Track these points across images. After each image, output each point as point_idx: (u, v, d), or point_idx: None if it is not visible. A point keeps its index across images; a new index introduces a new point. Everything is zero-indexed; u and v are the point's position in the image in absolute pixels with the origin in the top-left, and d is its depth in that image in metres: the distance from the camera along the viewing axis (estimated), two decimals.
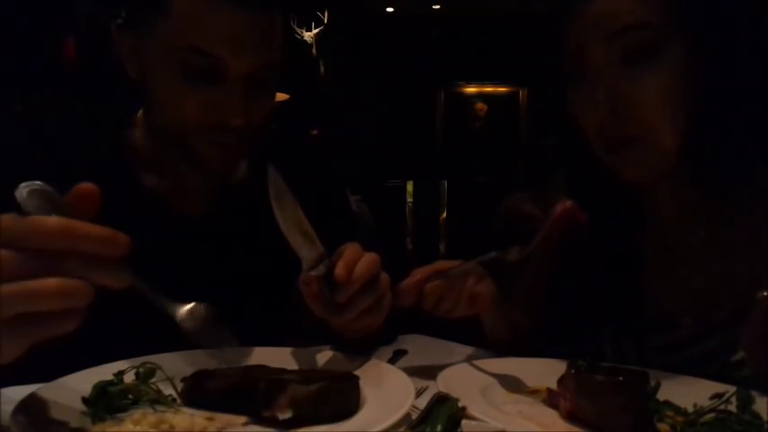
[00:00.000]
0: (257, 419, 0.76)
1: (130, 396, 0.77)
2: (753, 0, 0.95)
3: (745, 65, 0.92)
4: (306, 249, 0.88)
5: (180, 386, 0.82)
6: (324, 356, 0.97)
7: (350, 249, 0.90)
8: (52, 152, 1.02)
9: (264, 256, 1.06)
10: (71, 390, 0.76)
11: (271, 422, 0.74)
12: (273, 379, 0.77)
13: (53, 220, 0.60)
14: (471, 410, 0.69)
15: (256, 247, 1.11)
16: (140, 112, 1.11)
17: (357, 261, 0.88)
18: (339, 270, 0.85)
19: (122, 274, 0.64)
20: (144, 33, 0.98)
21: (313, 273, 0.87)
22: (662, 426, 0.74)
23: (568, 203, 0.92)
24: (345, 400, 0.78)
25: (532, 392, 0.88)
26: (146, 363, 0.81)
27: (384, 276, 0.93)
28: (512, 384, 0.90)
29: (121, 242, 0.63)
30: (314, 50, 6.98)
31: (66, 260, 0.60)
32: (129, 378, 0.79)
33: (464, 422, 0.64)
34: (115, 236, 0.63)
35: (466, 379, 0.87)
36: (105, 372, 0.80)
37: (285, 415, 0.72)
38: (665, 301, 1.02)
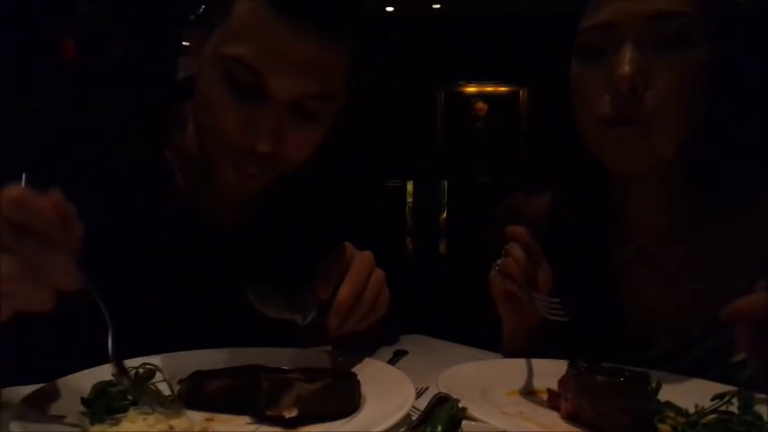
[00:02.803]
0: (259, 419, 0.76)
1: (129, 397, 0.77)
2: None
3: (763, 75, 0.92)
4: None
5: (178, 387, 0.81)
6: (324, 357, 0.97)
7: (331, 268, 0.88)
8: (92, 149, 1.00)
9: (293, 263, 1.04)
10: (70, 390, 0.76)
11: (274, 421, 0.74)
12: (278, 378, 0.77)
13: (13, 189, 0.63)
14: (471, 411, 0.69)
15: (288, 254, 1.10)
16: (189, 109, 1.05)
17: (339, 280, 0.87)
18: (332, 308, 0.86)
19: (75, 273, 0.65)
20: (207, 34, 0.93)
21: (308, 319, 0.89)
22: (663, 427, 0.74)
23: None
24: (348, 398, 0.78)
25: (533, 393, 0.88)
26: (145, 363, 0.81)
27: (379, 274, 0.92)
28: (512, 385, 0.90)
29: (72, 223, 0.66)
30: None
31: (23, 240, 0.62)
32: None
33: (464, 423, 0.64)
34: (68, 216, 0.65)
35: (466, 380, 0.87)
36: (104, 372, 0.80)
37: (291, 413, 0.73)
38: (645, 315, 1.02)
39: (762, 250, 0.94)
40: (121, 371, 0.74)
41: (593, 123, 0.94)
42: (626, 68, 0.87)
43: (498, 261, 0.99)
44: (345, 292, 0.87)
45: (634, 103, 0.88)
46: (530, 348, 0.99)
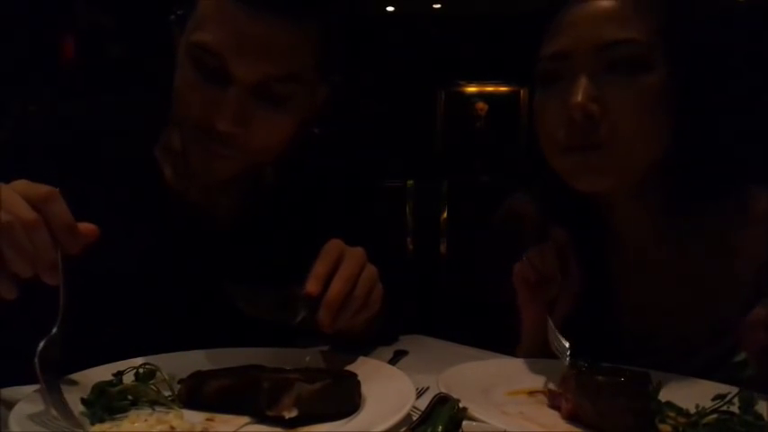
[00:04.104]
0: (259, 419, 0.75)
1: (130, 397, 0.77)
2: (733, 33, 0.97)
3: (719, 96, 0.94)
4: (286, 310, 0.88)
5: (178, 387, 0.81)
6: (324, 357, 0.97)
7: (321, 265, 0.88)
8: (84, 149, 1.02)
9: (291, 259, 1.05)
10: (70, 390, 0.75)
11: (274, 421, 0.74)
12: (278, 378, 0.77)
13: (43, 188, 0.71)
14: (472, 411, 0.69)
15: (282, 251, 1.10)
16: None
17: (329, 276, 0.87)
18: (310, 289, 0.86)
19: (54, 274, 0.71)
20: (183, 27, 0.96)
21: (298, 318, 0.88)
22: (664, 427, 0.74)
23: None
24: (348, 398, 0.78)
25: (533, 393, 0.88)
26: (145, 363, 0.81)
27: (371, 270, 0.92)
28: (513, 385, 0.90)
29: (81, 238, 0.72)
30: None
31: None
32: (128, 379, 0.79)
33: (465, 423, 0.64)
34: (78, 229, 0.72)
35: (467, 380, 0.87)
36: (104, 372, 0.80)
37: (291, 414, 0.72)
38: (644, 324, 1.02)
39: (754, 255, 0.95)
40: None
41: (554, 149, 0.95)
42: (578, 97, 0.88)
43: (529, 251, 1.01)
44: (336, 287, 0.86)
45: (590, 130, 0.89)
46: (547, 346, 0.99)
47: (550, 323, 0.95)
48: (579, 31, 0.91)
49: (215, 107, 0.92)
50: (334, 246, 0.90)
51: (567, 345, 0.91)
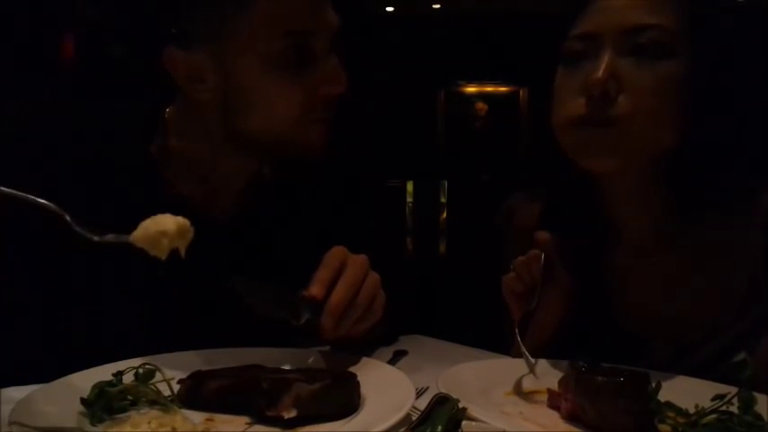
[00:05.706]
0: (259, 419, 0.75)
1: (129, 397, 0.77)
2: (757, 29, 0.98)
3: (736, 92, 0.95)
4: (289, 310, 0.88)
5: (178, 387, 0.81)
6: (324, 357, 0.97)
7: (324, 270, 0.88)
8: (79, 152, 1.03)
9: (291, 257, 1.05)
10: (70, 390, 0.76)
11: (274, 422, 0.74)
12: (277, 378, 0.77)
13: None
14: (472, 411, 0.69)
15: (284, 248, 1.10)
16: (168, 113, 1.08)
17: (332, 282, 0.87)
18: (314, 294, 0.86)
19: None
20: (224, 39, 0.95)
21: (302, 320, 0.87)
22: (663, 427, 0.74)
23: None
24: (347, 399, 0.78)
25: (533, 393, 0.88)
26: (145, 363, 0.81)
27: (374, 277, 0.92)
28: (512, 385, 0.90)
29: None
30: None
31: None
32: (128, 379, 0.79)
33: (464, 423, 0.64)
34: None
35: (466, 380, 0.87)
36: (104, 372, 0.80)
37: (290, 414, 0.73)
38: (643, 323, 1.02)
39: (751, 254, 0.95)
40: None
41: (566, 123, 0.96)
42: (599, 73, 0.90)
43: (515, 261, 1.01)
44: (339, 293, 0.87)
45: (605, 107, 0.90)
46: (541, 349, 0.99)
47: (518, 339, 0.96)
48: (609, 14, 0.93)
49: (323, 81, 0.98)
50: (337, 252, 0.91)
51: (533, 362, 0.92)
